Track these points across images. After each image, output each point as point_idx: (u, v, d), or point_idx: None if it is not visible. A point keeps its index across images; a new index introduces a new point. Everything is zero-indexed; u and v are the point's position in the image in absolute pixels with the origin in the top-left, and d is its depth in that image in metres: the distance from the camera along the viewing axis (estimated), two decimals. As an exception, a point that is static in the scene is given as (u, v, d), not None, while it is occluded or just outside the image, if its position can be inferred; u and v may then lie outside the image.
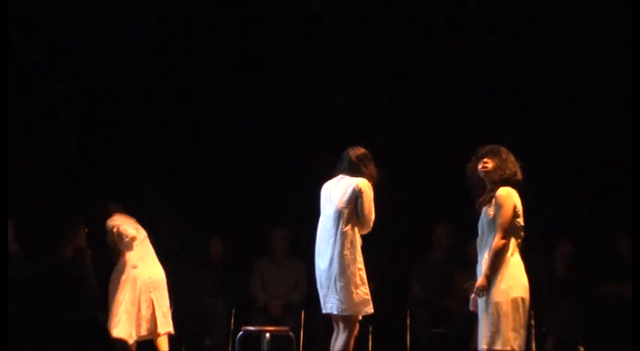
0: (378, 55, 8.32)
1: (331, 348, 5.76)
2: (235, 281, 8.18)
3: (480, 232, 5.25)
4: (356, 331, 5.75)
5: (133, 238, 6.74)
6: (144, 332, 6.74)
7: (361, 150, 5.84)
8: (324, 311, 5.79)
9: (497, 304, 5.06)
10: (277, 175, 8.18)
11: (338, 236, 5.67)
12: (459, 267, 7.91)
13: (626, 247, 7.27)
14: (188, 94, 8.47)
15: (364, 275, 5.68)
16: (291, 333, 6.89)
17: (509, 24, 8.16)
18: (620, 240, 7.71)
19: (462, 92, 8.28)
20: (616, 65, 7.58)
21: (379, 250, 6.88)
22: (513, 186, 5.21)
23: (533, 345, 7.43)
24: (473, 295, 5.19)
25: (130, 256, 6.78)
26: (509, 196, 5.15)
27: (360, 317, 5.74)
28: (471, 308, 5.28)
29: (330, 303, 5.70)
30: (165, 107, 8.37)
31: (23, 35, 7.68)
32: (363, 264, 5.69)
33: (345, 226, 5.68)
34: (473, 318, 5.50)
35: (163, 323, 6.79)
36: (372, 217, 5.72)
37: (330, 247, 5.69)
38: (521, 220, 5.18)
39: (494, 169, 5.21)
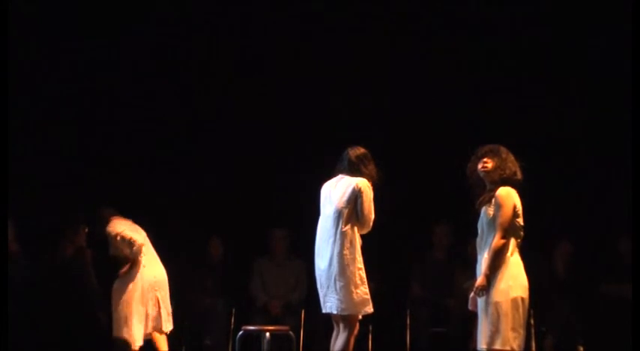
0: (378, 55, 8.31)
1: (331, 348, 5.77)
2: (235, 281, 8.18)
3: (479, 231, 5.25)
4: (356, 331, 5.75)
5: (142, 244, 6.78)
6: (149, 330, 6.78)
7: (361, 150, 5.84)
8: (324, 311, 5.79)
9: (496, 303, 5.06)
10: (277, 175, 8.18)
11: (338, 236, 5.67)
12: (459, 267, 7.91)
13: (626, 247, 7.27)
14: (188, 94, 8.47)
15: (364, 275, 5.68)
16: (291, 333, 6.89)
17: (509, 24, 8.16)
18: (620, 240, 7.71)
19: (462, 92, 8.28)
20: (616, 65, 7.58)
21: (379, 250, 6.87)
22: (513, 186, 5.20)
23: (533, 345, 7.43)
24: (472, 295, 5.19)
25: (143, 260, 6.82)
26: (508, 196, 5.15)
27: (360, 317, 5.74)
28: (470, 308, 5.28)
29: (329, 302, 5.70)
30: (165, 107, 8.37)
31: (23, 35, 7.68)
32: (362, 264, 5.69)
33: (345, 226, 5.68)
34: (472, 318, 5.49)
35: (167, 322, 6.83)
36: (372, 216, 5.72)
37: (330, 247, 5.69)
38: (520, 220, 5.18)
39: (494, 168, 5.21)
